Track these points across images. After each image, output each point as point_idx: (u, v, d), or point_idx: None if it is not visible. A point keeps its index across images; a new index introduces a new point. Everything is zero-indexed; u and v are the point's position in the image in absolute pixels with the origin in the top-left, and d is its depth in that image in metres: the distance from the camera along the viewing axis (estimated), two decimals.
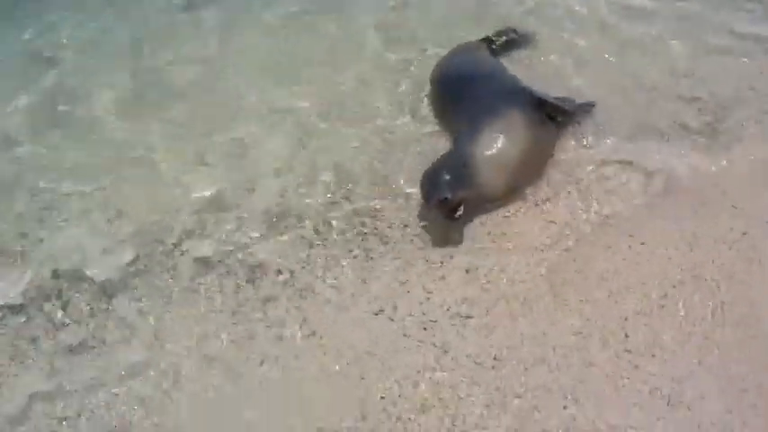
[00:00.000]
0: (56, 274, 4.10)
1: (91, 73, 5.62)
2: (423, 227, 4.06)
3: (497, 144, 3.98)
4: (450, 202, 3.81)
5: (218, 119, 5.00)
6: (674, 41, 5.09)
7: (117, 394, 3.51)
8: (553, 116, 4.30)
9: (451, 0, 5.82)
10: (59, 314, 3.91)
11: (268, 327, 3.70)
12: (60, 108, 5.33)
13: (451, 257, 3.87)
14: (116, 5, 6.36)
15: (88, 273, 4.07)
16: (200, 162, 4.68)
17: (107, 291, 3.97)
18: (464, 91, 4.47)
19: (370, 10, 5.78)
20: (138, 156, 4.81)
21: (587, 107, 4.52)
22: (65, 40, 6.01)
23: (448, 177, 3.84)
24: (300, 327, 3.66)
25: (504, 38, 5.26)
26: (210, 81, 5.40)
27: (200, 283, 3.95)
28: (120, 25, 6.11)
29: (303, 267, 3.94)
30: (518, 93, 4.31)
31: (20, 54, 5.92)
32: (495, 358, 3.37)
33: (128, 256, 4.13)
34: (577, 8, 5.52)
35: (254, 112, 5.01)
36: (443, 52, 5.11)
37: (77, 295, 3.99)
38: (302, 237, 4.11)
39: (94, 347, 3.74)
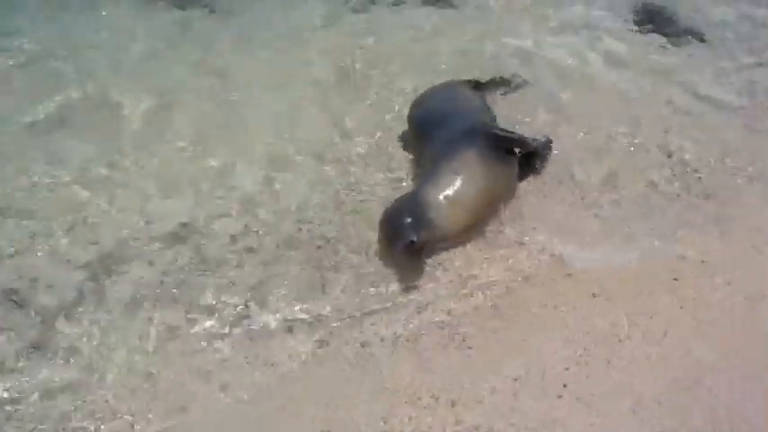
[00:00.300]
0: None
1: None
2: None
3: (454, 185, 4.02)
4: (417, 244, 3.84)
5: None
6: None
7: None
8: (515, 151, 4.38)
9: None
10: None
11: None
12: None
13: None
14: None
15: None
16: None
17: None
18: (429, 131, 4.54)
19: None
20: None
21: (547, 142, 4.61)
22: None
23: (409, 220, 3.86)
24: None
25: (491, 78, 5.39)
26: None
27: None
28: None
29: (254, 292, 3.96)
30: (477, 131, 4.35)
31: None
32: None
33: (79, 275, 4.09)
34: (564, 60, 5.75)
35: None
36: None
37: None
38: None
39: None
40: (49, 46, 6.06)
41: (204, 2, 6.71)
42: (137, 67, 5.83)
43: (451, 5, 6.65)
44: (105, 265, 4.09)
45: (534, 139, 4.53)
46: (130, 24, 6.37)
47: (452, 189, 4.01)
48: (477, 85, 5.25)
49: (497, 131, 4.40)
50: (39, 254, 4.19)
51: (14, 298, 3.93)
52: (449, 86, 5.17)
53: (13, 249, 4.20)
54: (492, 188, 4.14)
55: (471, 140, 4.23)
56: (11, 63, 5.89)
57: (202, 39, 6.19)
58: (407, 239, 3.80)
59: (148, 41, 6.14)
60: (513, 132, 4.50)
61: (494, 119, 4.76)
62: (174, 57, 5.93)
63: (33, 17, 6.49)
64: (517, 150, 4.42)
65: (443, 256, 4.05)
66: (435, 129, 4.51)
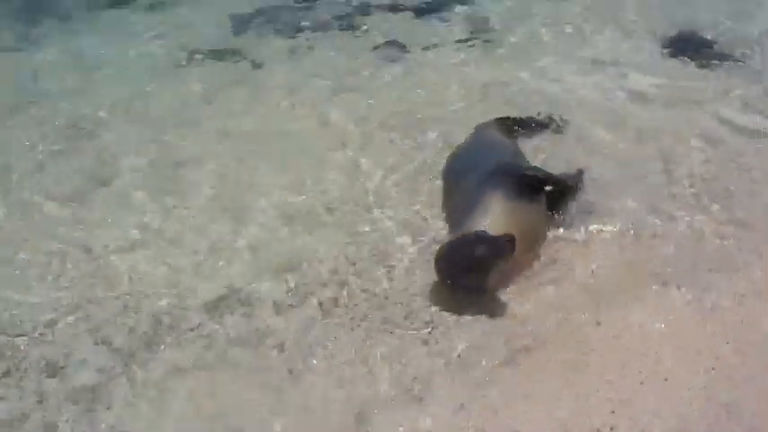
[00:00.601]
0: None
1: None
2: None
3: (503, 220, 4.04)
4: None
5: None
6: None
7: None
8: (546, 189, 4.40)
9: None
10: None
11: None
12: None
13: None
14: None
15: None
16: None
17: None
18: (455, 178, 4.65)
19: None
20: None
21: (578, 176, 4.63)
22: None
23: (479, 256, 3.85)
24: None
25: (523, 117, 5.45)
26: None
27: None
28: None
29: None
30: (505, 172, 4.37)
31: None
32: None
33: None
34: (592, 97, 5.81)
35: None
36: None
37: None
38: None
39: None
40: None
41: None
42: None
43: (485, 42, 6.86)
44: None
45: (564, 175, 4.57)
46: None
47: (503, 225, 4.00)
48: (508, 125, 5.31)
49: (525, 171, 4.45)
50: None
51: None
52: (476, 132, 5.24)
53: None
54: (526, 227, 4.12)
55: (498, 181, 4.25)
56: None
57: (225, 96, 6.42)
58: (481, 277, 3.88)
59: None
60: (540, 170, 4.56)
61: (522, 158, 4.81)
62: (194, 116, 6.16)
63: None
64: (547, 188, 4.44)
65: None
66: (462, 175, 4.60)
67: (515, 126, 5.33)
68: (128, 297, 4.39)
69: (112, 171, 5.53)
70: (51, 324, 4.25)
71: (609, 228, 4.45)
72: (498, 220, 4.03)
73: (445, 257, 4.01)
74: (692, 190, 4.70)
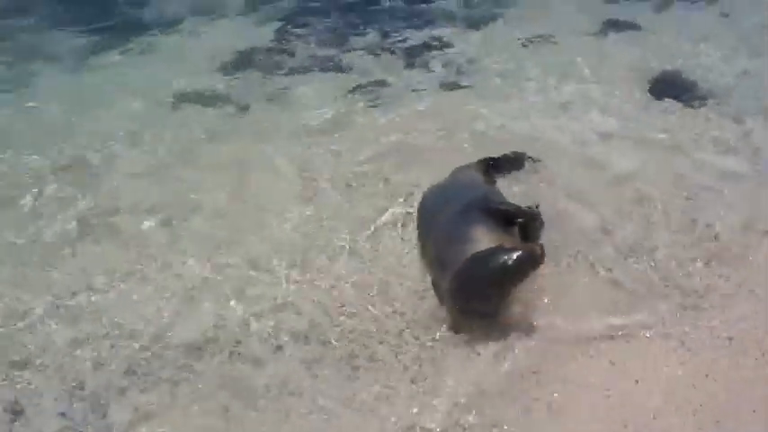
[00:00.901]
0: None
1: None
2: None
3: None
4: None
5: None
6: None
7: None
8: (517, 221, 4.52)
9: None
10: None
11: None
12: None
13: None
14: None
15: None
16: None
17: None
18: (431, 218, 4.71)
19: None
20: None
21: (535, 211, 4.73)
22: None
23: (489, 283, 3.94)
24: None
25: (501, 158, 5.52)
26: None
27: None
28: None
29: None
30: (481, 206, 4.48)
31: None
32: None
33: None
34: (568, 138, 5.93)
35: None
36: None
37: None
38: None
39: None
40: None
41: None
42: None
43: (461, 87, 6.99)
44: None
45: (528, 207, 4.71)
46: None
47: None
48: (486, 166, 5.38)
49: (496, 205, 4.57)
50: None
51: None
52: (453, 172, 5.30)
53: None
54: None
55: (479, 214, 4.36)
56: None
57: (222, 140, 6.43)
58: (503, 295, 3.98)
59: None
60: (510, 204, 4.70)
61: (498, 195, 4.93)
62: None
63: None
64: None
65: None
66: (438, 213, 4.67)
67: (492, 167, 5.41)
68: (103, 339, 4.36)
69: (82, 215, 5.48)
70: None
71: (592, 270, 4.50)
72: (475, 247, 4.08)
73: (468, 274, 3.99)
74: (670, 234, 4.77)
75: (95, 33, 8.81)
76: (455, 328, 4.12)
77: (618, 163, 5.53)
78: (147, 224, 5.33)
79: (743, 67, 6.91)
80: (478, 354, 3.99)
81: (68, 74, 7.97)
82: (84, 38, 8.73)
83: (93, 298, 4.68)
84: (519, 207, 4.63)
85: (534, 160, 5.55)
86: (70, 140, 6.54)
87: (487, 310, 4.03)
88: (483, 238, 4.14)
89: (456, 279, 4.03)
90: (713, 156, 5.54)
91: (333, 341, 4.20)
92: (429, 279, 4.42)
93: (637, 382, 3.75)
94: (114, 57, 8.31)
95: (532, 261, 3.88)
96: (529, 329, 4.08)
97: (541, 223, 4.66)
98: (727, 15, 8.23)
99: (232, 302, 4.55)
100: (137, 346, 4.28)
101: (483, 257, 3.96)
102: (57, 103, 7.23)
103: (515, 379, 3.84)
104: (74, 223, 5.39)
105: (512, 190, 5.19)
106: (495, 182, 5.24)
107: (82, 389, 4.05)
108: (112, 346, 4.30)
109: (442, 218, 4.54)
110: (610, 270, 4.48)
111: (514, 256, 3.87)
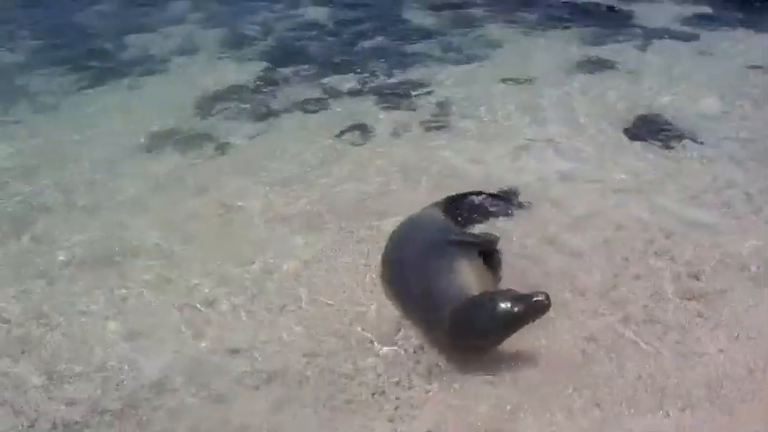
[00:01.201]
0: None
1: None
2: None
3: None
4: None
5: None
6: None
7: None
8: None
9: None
10: None
11: None
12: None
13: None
14: None
15: None
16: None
17: None
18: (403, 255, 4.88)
19: None
20: None
21: (495, 237, 5.04)
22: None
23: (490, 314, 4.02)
24: None
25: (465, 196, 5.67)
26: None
27: None
28: None
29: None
30: (452, 240, 4.77)
31: None
32: None
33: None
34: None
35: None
36: None
37: None
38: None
39: None
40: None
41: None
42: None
43: (435, 128, 7.11)
44: None
45: (484, 236, 5.07)
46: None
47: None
48: (447, 205, 5.52)
49: (468, 238, 4.91)
50: None
51: None
52: (416, 214, 5.40)
53: None
54: (489, 281, 4.52)
55: (452, 249, 4.62)
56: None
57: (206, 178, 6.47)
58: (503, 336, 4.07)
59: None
60: (474, 235, 5.07)
61: (460, 230, 5.15)
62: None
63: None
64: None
65: None
66: (407, 252, 4.84)
67: (454, 206, 5.54)
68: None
69: (51, 257, 5.47)
70: None
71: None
72: (470, 278, 4.36)
73: (471, 312, 4.09)
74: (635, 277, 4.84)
75: (76, 72, 8.91)
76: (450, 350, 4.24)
77: (579, 205, 5.64)
78: (118, 258, 5.38)
79: (720, 108, 7.13)
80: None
81: (47, 112, 8.01)
82: (65, 76, 8.82)
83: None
84: (481, 237, 5.02)
85: (501, 199, 5.67)
86: (50, 177, 6.58)
87: (484, 346, 4.15)
88: (465, 269, 4.41)
89: (457, 314, 4.13)
90: (679, 202, 5.63)
91: (308, 381, 4.22)
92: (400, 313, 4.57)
93: None
94: (94, 95, 8.38)
95: (542, 310, 3.97)
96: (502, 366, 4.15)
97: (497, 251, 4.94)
98: (708, 54, 8.53)
99: (209, 336, 4.60)
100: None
101: (493, 300, 4.06)
102: (33, 140, 7.29)
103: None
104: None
105: (472, 228, 5.34)
106: (457, 219, 5.39)
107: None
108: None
109: (414, 255, 4.73)
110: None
111: (527, 303, 3.96)
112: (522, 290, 4.11)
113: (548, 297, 3.95)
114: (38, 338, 4.65)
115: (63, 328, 4.72)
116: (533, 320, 4.00)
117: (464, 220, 5.44)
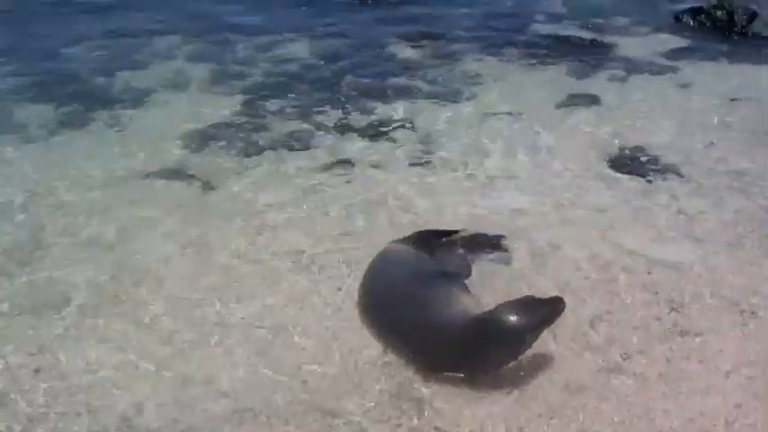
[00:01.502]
0: None
1: None
2: None
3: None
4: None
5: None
6: None
7: None
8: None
9: None
10: None
11: None
12: None
13: None
14: None
15: None
16: None
17: None
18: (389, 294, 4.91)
19: None
20: None
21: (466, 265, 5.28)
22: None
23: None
24: None
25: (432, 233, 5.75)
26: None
27: None
28: None
29: None
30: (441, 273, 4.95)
31: None
32: None
33: None
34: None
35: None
36: None
37: None
38: None
39: None
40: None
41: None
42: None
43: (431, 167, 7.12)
44: None
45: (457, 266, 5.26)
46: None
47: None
48: (417, 240, 5.52)
49: (454, 269, 5.11)
50: None
51: None
52: (386, 251, 5.40)
53: None
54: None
55: (440, 281, 4.78)
56: None
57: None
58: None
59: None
60: (454, 266, 5.27)
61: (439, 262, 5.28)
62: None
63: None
64: None
65: None
66: (391, 291, 4.89)
67: (423, 242, 5.53)
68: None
69: (40, 296, 5.37)
70: None
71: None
72: (467, 304, 4.53)
73: (503, 321, 4.20)
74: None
75: (59, 107, 8.81)
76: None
77: (541, 238, 5.69)
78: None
79: (702, 142, 7.23)
80: None
81: (30, 146, 7.88)
82: (48, 111, 8.71)
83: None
84: (461, 266, 5.26)
85: (475, 238, 5.73)
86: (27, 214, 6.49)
87: (512, 355, 4.31)
88: (461, 296, 4.61)
89: (489, 325, 4.24)
90: (650, 241, 5.66)
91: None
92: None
93: None
94: (77, 131, 8.29)
95: (563, 308, 4.27)
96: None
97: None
98: (687, 87, 8.64)
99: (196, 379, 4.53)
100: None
101: (523, 306, 4.25)
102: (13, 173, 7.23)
103: None
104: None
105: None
106: (429, 253, 5.39)
107: None
108: None
109: (400, 293, 4.77)
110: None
111: (555, 302, 4.26)
112: None
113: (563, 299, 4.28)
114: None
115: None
116: (556, 320, 4.26)
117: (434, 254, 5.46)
